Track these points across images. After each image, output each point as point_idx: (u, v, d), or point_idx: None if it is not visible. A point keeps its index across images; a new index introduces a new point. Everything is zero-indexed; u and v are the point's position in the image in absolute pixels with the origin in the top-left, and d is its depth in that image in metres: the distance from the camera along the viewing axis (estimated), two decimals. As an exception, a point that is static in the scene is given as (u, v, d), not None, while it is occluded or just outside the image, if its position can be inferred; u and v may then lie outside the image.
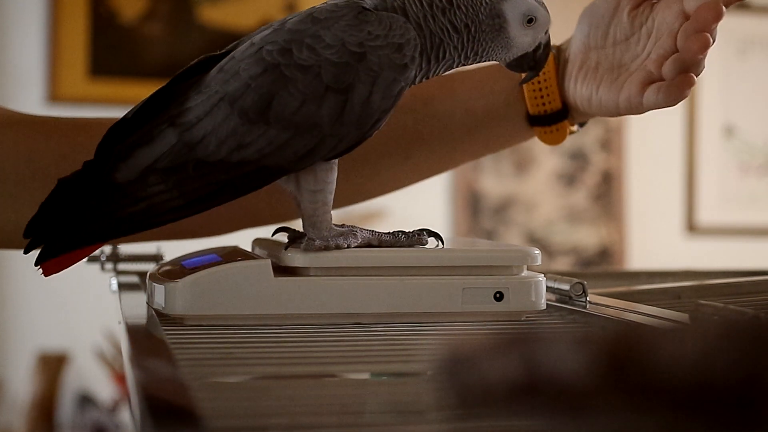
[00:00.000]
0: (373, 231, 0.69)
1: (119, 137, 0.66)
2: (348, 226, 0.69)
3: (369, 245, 0.68)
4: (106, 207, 0.64)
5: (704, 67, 0.72)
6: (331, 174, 0.67)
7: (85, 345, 2.56)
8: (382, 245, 0.69)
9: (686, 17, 0.72)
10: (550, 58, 0.80)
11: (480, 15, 0.67)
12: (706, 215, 3.23)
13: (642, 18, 0.76)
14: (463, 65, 0.69)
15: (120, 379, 2.45)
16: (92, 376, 2.60)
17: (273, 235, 0.74)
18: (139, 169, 0.64)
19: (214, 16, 2.76)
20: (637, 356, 0.30)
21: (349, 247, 0.67)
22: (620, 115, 0.77)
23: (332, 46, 0.64)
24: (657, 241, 3.17)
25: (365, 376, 0.57)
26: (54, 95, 2.66)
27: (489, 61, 0.70)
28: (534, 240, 3.05)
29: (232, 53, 0.66)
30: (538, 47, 0.71)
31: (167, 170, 0.64)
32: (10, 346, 2.66)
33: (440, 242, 0.70)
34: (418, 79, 0.68)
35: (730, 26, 3.19)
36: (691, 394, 0.29)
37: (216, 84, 0.65)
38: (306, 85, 0.63)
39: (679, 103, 0.72)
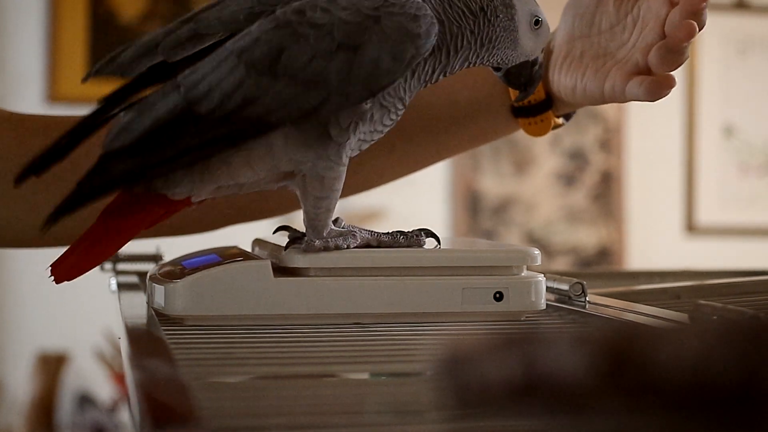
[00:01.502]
0: (372, 231, 0.69)
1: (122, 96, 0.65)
2: (348, 227, 0.70)
3: (368, 246, 0.68)
4: (104, 167, 0.63)
5: (688, 55, 0.74)
6: (338, 182, 0.67)
7: (85, 345, 2.56)
8: (381, 246, 0.69)
9: (672, 4, 0.73)
10: None
11: (494, 1, 0.68)
12: (705, 215, 3.23)
13: (627, 7, 0.77)
14: (477, 56, 0.69)
15: (119, 379, 2.45)
16: (92, 376, 2.60)
17: (273, 233, 0.74)
18: (140, 130, 0.62)
19: (214, 16, 2.76)
20: (637, 356, 0.30)
21: (348, 247, 0.67)
22: (604, 102, 0.78)
23: (347, 8, 0.63)
24: (656, 241, 3.17)
25: (365, 376, 0.57)
26: (53, 95, 2.66)
27: (497, 57, 0.70)
28: (533, 240, 3.06)
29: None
30: (535, 62, 0.72)
31: (167, 126, 0.62)
32: (10, 346, 2.66)
33: (437, 242, 0.70)
34: (438, 72, 0.67)
35: (730, 26, 3.19)
36: (691, 394, 0.29)
37: (229, 46, 0.64)
38: (317, 41, 0.63)
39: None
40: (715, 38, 3.17)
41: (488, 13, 0.68)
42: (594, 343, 0.30)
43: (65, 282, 0.66)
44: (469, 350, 0.31)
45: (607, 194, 3.12)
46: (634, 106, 3.02)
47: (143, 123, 0.63)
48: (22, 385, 2.58)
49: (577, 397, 0.30)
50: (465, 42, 0.68)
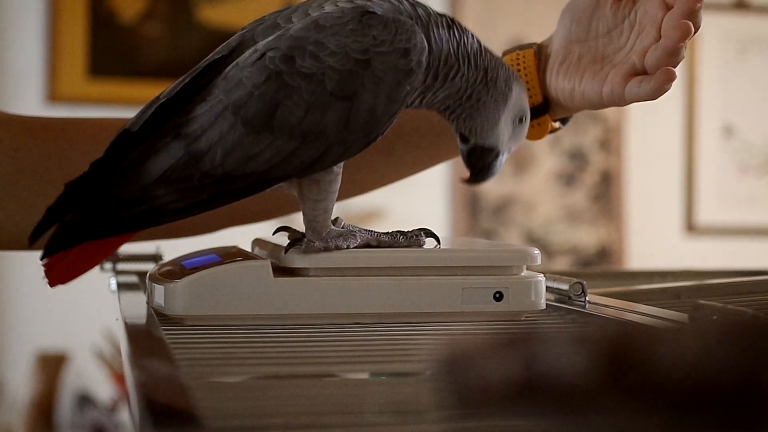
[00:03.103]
0: (371, 231, 0.69)
1: (127, 144, 0.65)
2: (347, 227, 0.70)
3: (368, 246, 0.68)
4: (109, 212, 0.64)
5: (684, 56, 0.74)
6: (335, 184, 0.67)
7: (85, 345, 2.56)
8: (381, 245, 0.69)
9: (668, 7, 0.73)
10: (531, 53, 0.81)
11: (500, 72, 0.70)
12: (705, 215, 3.23)
13: (624, 11, 0.77)
14: (459, 104, 0.69)
15: (119, 379, 2.45)
16: (92, 376, 2.60)
17: (273, 234, 0.74)
18: (145, 184, 0.63)
19: (213, 15, 2.76)
20: (637, 356, 0.30)
21: (348, 247, 0.67)
22: (603, 107, 0.78)
23: (336, 53, 0.63)
24: (656, 241, 3.17)
25: (365, 376, 0.57)
26: (53, 95, 2.66)
27: (473, 121, 0.70)
28: (533, 240, 3.05)
29: (236, 60, 0.66)
30: (497, 155, 0.73)
31: (172, 181, 0.63)
32: (10, 346, 2.66)
33: (437, 242, 0.70)
34: (418, 95, 0.67)
35: (730, 26, 3.19)
36: (691, 394, 0.29)
37: (220, 92, 0.64)
38: (310, 94, 0.63)
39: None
40: (715, 38, 3.16)
41: (488, 77, 0.69)
42: (594, 343, 0.30)
43: (60, 285, 0.66)
44: (469, 350, 0.31)
45: (606, 194, 3.12)
46: (633, 105, 3.01)
47: (150, 173, 0.63)
48: (22, 385, 2.58)
49: (577, 397, 0.30)
50: (456, 79, 0.68)
